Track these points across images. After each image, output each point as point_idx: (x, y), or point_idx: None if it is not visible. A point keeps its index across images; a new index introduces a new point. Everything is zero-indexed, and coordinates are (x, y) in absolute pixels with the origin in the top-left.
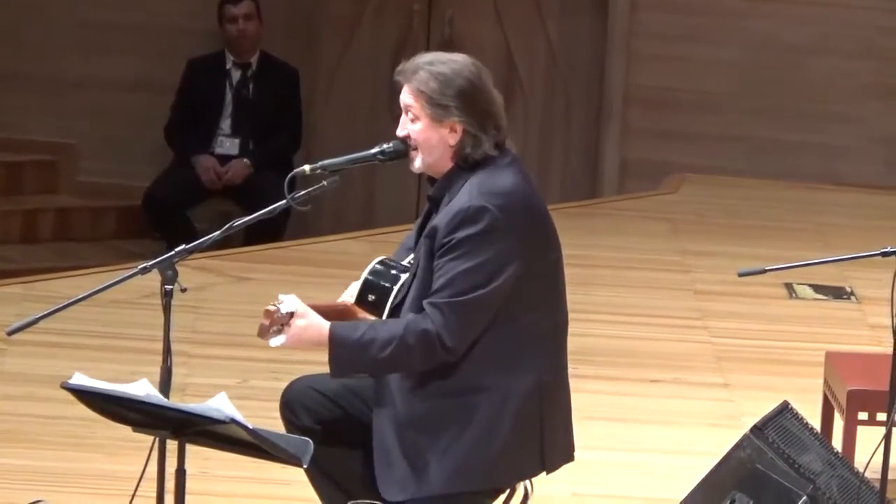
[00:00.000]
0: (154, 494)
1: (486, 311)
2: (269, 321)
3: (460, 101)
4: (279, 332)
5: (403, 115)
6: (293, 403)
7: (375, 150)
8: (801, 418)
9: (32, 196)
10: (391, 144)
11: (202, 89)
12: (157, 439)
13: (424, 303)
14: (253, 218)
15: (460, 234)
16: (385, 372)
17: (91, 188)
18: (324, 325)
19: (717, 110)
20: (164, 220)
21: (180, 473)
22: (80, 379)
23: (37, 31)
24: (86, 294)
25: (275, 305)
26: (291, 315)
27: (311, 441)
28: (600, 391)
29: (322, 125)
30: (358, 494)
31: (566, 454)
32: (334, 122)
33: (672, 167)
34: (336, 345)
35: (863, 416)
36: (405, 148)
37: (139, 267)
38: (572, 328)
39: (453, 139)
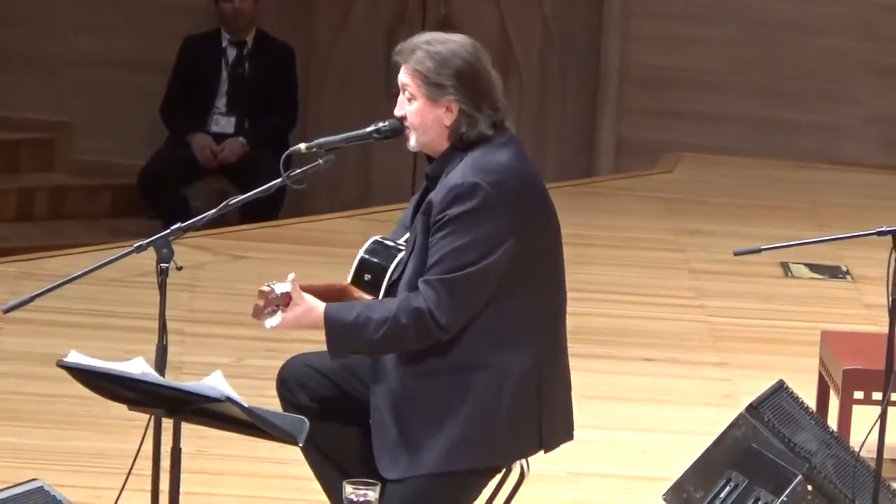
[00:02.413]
0: (149, 473)
1: (479, 287)
2: (263, 302)
3: (457, 81)
4: (273, 312)
5: (401, 94)
6: (289, 381)
7: (371, 128)
8: (797, 397)
9: (28, 174)
10: (387, 123)
11: (198, 68)
12: (153, 418)
13: (419, 280)
14: (248, 196)
15: (453, 211)
16: (381, 352)
17: (87, 166)
18: (319, 308)
19: (713, 89)
20: (160, 199)
21: (176, 452)
22: (75, 357)
23: (33, 9)
24: (81, 272)
25: (269, 286)
26: (287, 296)
27: (306, 419)
28: (596, 370)
29: (318, 103)
30: (355, 472)
31: (565, 434)
32: (330, 100)
33: (668, 146)
34: (331, 328)
35: (858, 395)
36: (401, 126)
37: (135, 245)
38: (567, 307)
39: (449, 119)
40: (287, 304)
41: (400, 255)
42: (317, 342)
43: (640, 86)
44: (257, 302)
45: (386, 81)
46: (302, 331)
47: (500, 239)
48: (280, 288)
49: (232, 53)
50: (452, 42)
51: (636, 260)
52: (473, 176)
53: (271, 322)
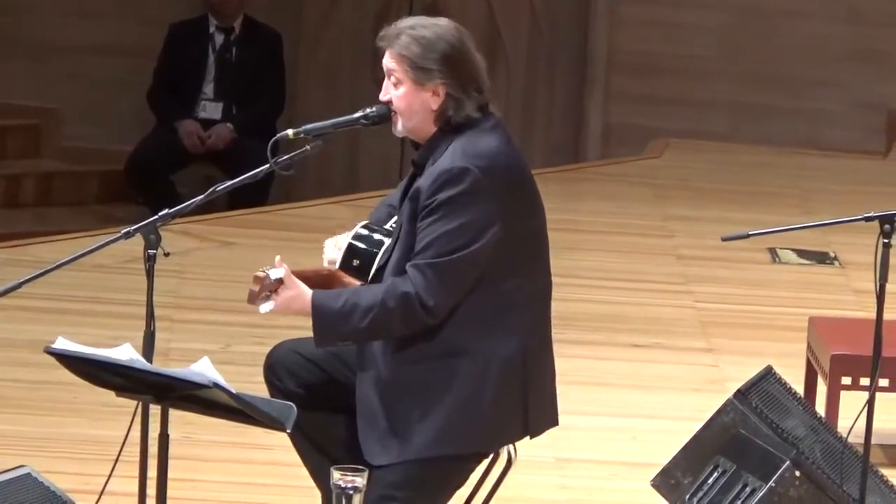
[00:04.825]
0: (137, 459)
1: (467, 272)
2: (258, 287)
3: (443, 65)
4: (268, 298)
5: (386, 79)
6: (277, 367)
7: (359, 114)
8: (785, 383)
9: (15, 161)
10: (374, 108)
11: (185, 54)
12: (141, 404)
13: (407, 265)
14: (236, 182)
15: (443, 196)
16: (369, 339)
17: (74, 153)
18: (307, 295)
19: (700, 75)
20: (148, 185)
21: (163, 438)
22: (63, 343)
23: None
24: (69, 258)
25: (263, 272)
26: (280, 282)
27: (294, 406)
28: (583, 356)
29: (305, 89)
30: (342, 459)
31: (551, 419)
32: (317, 86)
33: (656, 132)
34: (318, 315)
35: (846, 380)
36: (388, 112)
37: (122, 231)
38: (555, 293)
39: (436, 103)
40: (279, 289)
41: (388, 241)
42: (305, 328)
43: (628, 72)
44: (252, 287)
45: (373, 67)
46: (290, 317)
47: (489, 223)
48: (274, 274)
49: (219, 39)
50: (437, 26)
51: (624, 246)
52: (463, 161)
53: (265, 307)
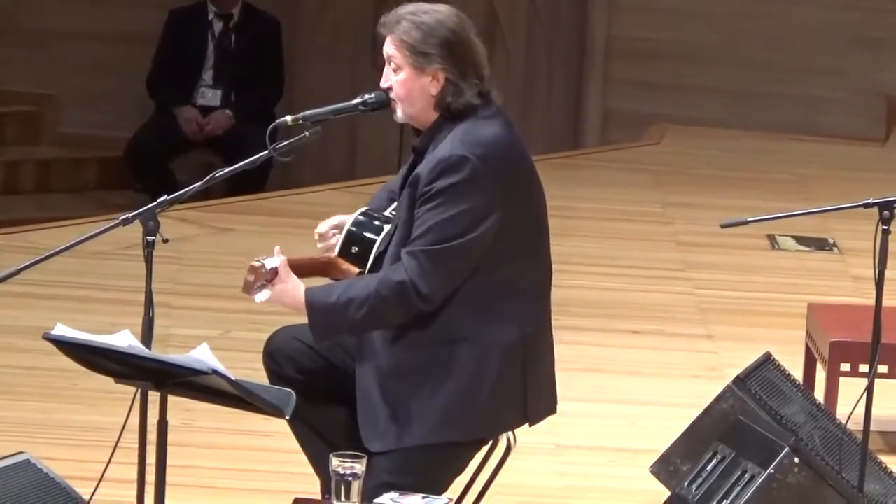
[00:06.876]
0: (136, 446)
1: (463, 260)
2: (254, 277)
3: (443, 50)
4: (263, 287)
5: (386, 65)
6: (276, 353)
7: (357, 100)
8: (784, 370)
9: (14, 147)
10: (373, 95)
11: (184, 40)
12: (139, 391)
13: (402, 251)
14: (235, 169)
15: (441, 184)
16: (366, 330)
17: (73, 139)
18: (299, 291)
19: (699, 61)
20: (146, 172)
21: (162, 425)
22: (61, 330)
23: None
24: (67, 245)
25: (259, 261)
26: (275, 271)
27: (293, 392)
28: (582, 342)
29: (304, 76)
30: (341, 446)
31: (549, 407)
32: (316, 72)
33: (654, 118)
34: (314, 312)
35: (845, 367)
36: (387, 98)
37: (121, 218)
38: (554, 279)
39: (435, 88)
40: (274, 279)
41: (387, 228)
42: (304, 316)
43: (627, 58)
44: (247, 277)
45: (373, 53)
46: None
47: (487, 212)
48: (270, 263)
49: (218, 26)
50: (437, 12)
51: (623, 232)
52: (461, 149)
53: (260, 297)
